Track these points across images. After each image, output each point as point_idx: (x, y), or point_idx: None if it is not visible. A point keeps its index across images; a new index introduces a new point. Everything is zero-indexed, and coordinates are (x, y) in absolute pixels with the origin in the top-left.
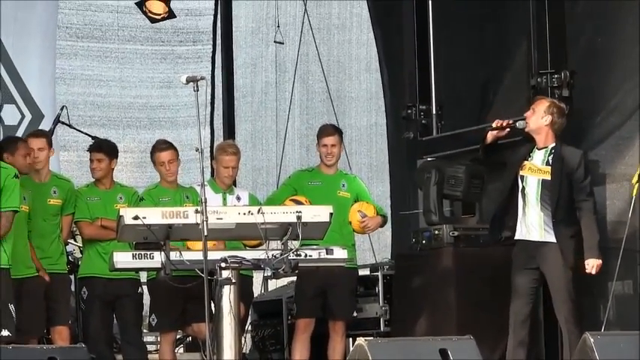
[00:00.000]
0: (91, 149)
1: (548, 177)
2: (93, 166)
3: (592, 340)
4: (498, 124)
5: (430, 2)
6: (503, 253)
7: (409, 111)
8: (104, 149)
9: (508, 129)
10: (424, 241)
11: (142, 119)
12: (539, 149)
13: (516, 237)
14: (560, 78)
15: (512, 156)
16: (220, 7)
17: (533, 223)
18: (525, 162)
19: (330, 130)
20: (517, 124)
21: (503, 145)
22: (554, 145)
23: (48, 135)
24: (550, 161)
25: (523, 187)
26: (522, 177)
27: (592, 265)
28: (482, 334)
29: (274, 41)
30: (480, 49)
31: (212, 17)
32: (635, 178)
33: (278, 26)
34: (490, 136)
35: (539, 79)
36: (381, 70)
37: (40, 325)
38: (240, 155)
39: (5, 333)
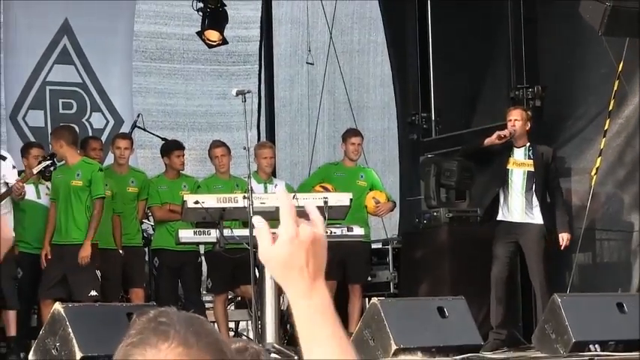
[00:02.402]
0: (177, 148)
1: (532, 168)
2: (181, 161)
3: (559, 300)
4: (501, 135)
5: (430, 31)
6: (488, 230)
7: (413, 118)
8: (182, 148)
9: (505, 139)
10: (425, 221)
11: (202, 124)
12: (517, 147)
13: (498, 218)
14: (533, 91)
15: (496, 155)
16: (264, 34)
17: (516, 208)
18: (509, 158)
19: (357, 132)
20: (511, 134)
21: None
22: (529, 144)
23: (131, 137)
24: (531, 156)
25: (508, 178)
26: (508, 170)
27: (565, 238)
28: (471, 296)
29: (307, 62)
30: (469, 66)
31: (258, 43)
32: (594, 172)
33: (310, 50)
34: (489, 142)
35: (516, 92)
36: (393, 84)
37: (117, 287)
38: (274, 149)
39: (93, 293)
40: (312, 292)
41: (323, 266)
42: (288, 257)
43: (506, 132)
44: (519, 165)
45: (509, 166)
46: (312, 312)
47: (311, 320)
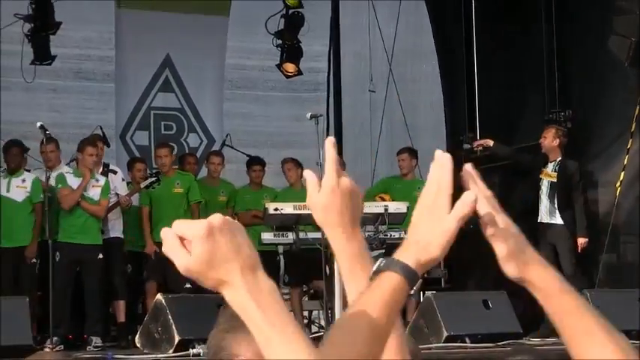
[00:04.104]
0: (258, 162)
1: (555, 180)
2: (257, 174)
3: (587, 294)
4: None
5: (475, 62)
6: (526, 233)
7: (461, 137)
8: (263, 163)
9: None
10: (472, 226)
11: (280, 142)
12: (550, 162)
13: (538, 220)
14: (565, 114)
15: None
16: (332, 66)
17: (542, 210)
18: (544, 169)
19: (404, 149)
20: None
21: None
22: (560, 158)
23: (222, 154)
24: (557, 169)
25: (540, 187)
26: (540, 179)
27: (582, 242)
28: (512, 290)
29: (369, 90)
30: (509, 92)
31: (326, 74)
32: (618, 184)
33: (371, 80)
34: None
35: (550, 115)
36: (444, 108)
37: None
38: (344, 163)
39: (188, 285)
40: (351, 236)
41: (359, 214)
42: (329, 203)
43: (483, 142)
44: (547, 176)
45: (542, 176)
46: (351, 254)
47: (350, 260)
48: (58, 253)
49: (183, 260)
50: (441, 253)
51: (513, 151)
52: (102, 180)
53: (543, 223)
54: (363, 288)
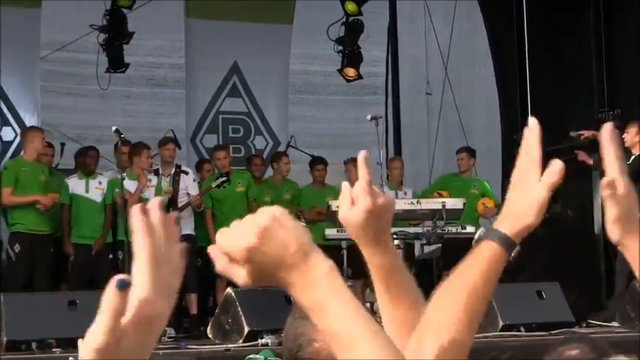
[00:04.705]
0: (321, 162)
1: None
2: (320, 173)
3: None
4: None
5: (527, 64)
6: (578, 228)
7: (514, 136)
8: (326, 163)
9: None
10: (547, 215)
11: (341, 143)
12: (633, 155)
13: None
14: (614, 114)
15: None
16: (390, 70)
17: None
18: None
19: (462, 149)
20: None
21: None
22: (639, 153)
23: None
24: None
25: None
26: None
27: None
28: (564, 282)
29: (425, 92)
30: (560, 93)
31: (384, 78)
32: None
33: (428, 83)
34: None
35: (600, 114)
36: (499, 109)
37: None
38: (403, 162)
39: None
40: (384, 250)
41: (389, 228)
42: (364, 223)
43: (589, 134)
44: None
45: None
46: (387, 268)
47: (387, 275)
48: (120, 252)
49: (239, 280)
50: (534, 220)
51: None
52: (154, 180)
53: None
54: (395, 306)
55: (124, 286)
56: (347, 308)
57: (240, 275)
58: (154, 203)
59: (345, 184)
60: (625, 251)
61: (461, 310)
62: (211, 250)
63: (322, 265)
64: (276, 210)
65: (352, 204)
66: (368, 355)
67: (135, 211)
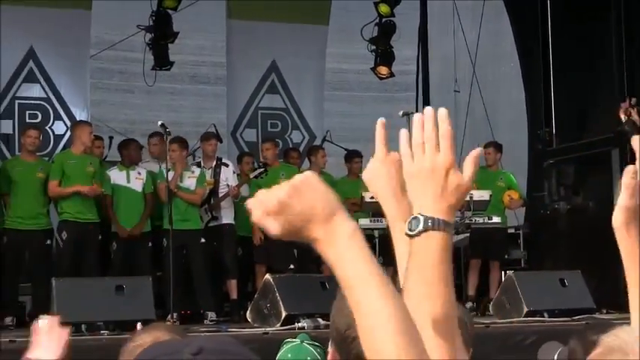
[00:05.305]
0: (357, 155)
1: None
2: (358, 165)
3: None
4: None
5: (552, 64)
6: (598, 218)
7: (539, 132)
8: (362, 156)
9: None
10: (548, 212)
11: (374, 137)
12: None
13: None
14: (638, 108)
15: None
16: (420, 69)
17: None
18: None
19: (489, 144)
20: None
21: None
22: None
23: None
24: None
25: None
26: None
27: None
28: (585, 270)
29: (454, 90)
30: (583, 90)
31: (415, 76)
32: None
33: (456, 81)
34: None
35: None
36: (526, 106)
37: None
38: None
39: (292, 266)
40: (400, 200)
41: (403, 184)
42: (378, 171)
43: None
44: None
45: None
46: (401, 217)
47: (401, 222)
48: (164, 239)
49: (271, 230)
50: (469, 181)
51: None
52: (197, 171)
53: None
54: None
55: None
56: (364, 265)
57: (272, 226)
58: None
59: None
60: (618, 238)
61: (438, 306)
62: (250, 202)
63: (345, 225)
64: (310, 174)
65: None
66: (375, 298)
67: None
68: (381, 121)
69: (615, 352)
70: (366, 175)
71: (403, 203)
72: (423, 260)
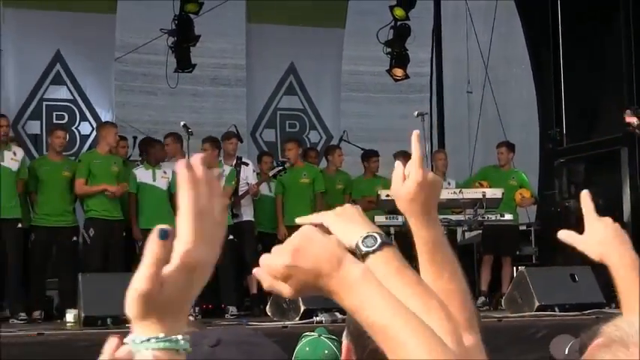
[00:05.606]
0: (374, 154)
1: None
2: (376, 164)
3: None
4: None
5: (562, 66)
6: (610, 216)
7: (549, 132)
8: (379, 155)
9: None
10: (559, 209)
11: (389, 137)
12: None
13: None
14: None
15: None
16: (434, 71)
17: None
18: None
19: (502, 144)
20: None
21: None
22: None
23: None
24: None
25: None
26: None
27: None
28: (596, 265)
29: (467, 91)
30: (592, 92)
31: (429, 77)
32: None
33: (469, 82)
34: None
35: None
36: (537, 107)
37: None
38: (446, 155)
39: None
40: (433, 223)
41: (436, 203)
42: (415, 195)
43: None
44: None
45: None
46: (433, 241)
47: (433, 247)
48: None
49: (285, 294)
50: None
51: None
52: (227, 170)
53: None
54: (438, 277)
55: (165, 236)
56: (386, 303)
57: (285, 290)
58: (197, 159)
59: (397, 163)
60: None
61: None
62: (257, 272)
63: (355, 269)
64: (306, 229)
65: (404, 180)
66: (413, 346)
67: (180, 166)
68: (416, 133)
69: (616, 343)
70: (399, 196)
71: (436, 226)
72: (387, 271)
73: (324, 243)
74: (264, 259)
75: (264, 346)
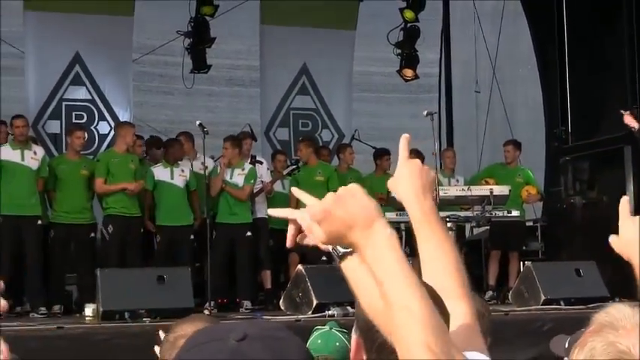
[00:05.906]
0: (386, 153)
1: None
2: (388, 162)
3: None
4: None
5: (567, 67)
6: (612, 212)
7: (555, 130)
8: (390, 153)
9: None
10: (564, 206)
11: (400, 135)
12: None
13: None
14: None
15: None
16: (443, 71)
17: None
18: None
19: (508, 142)
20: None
21: None
22: None
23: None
24: None
25: None
26: None
27: None
28: (599, 261)
29: (475, 91)
30: (596, 91)
31: (438, 77)
32: None
33: (477, 82)
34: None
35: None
36: (543, 106)
37: None
38: (455, 153)
39: (324, 257)
40: (421, 198)
41: (430, 188)
42: (399, 173)
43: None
44: None
45: None
46: (422, 211)
47: (421, 217)
48: (214, 232)
49: (317, 234)
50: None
51: None
52: (247, 168)
53: None
54: (430, 239)
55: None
56: (397, 261)
57: (318, 232)
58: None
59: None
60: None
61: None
62: (298, 212)
63: (384, 231)
64: (354, 185)
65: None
66: (403, 292)
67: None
68: (405, 137)
69: (606, 327)
70: (391, 183)
71: (426, 204)
72: (362, 271)
73: (364, 201)
74: (309, 203)
75: (288, 341)
